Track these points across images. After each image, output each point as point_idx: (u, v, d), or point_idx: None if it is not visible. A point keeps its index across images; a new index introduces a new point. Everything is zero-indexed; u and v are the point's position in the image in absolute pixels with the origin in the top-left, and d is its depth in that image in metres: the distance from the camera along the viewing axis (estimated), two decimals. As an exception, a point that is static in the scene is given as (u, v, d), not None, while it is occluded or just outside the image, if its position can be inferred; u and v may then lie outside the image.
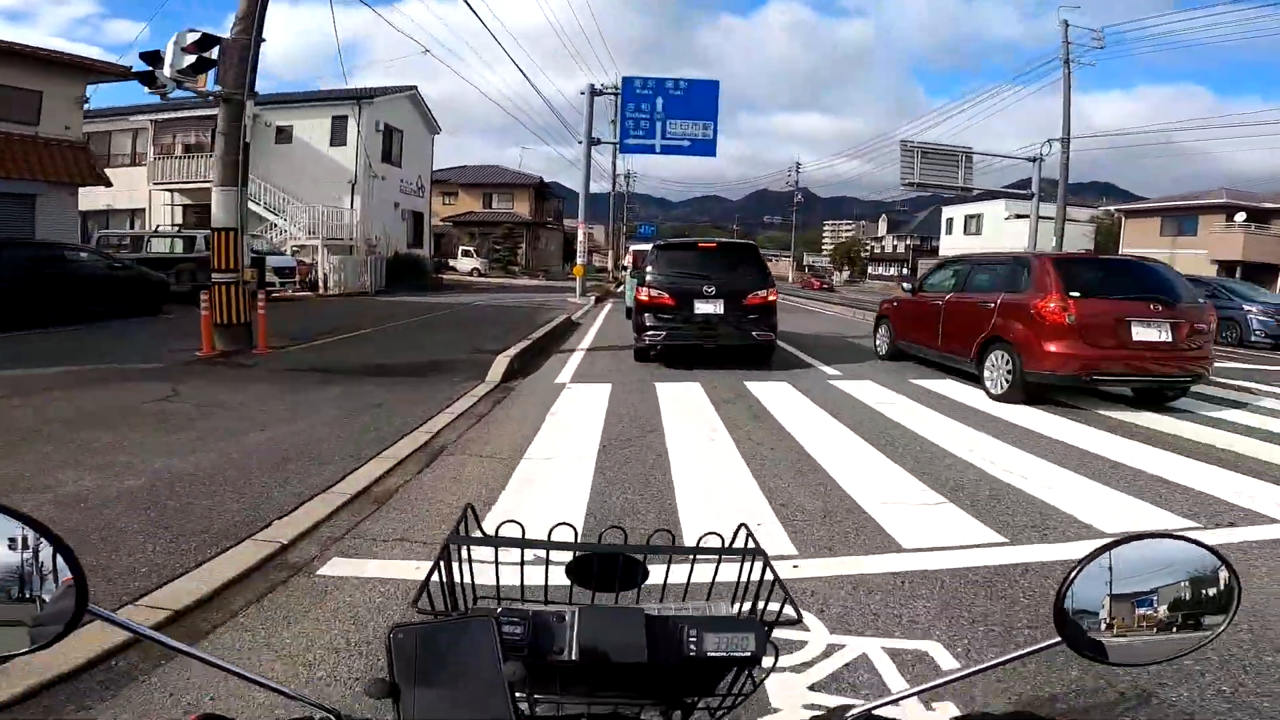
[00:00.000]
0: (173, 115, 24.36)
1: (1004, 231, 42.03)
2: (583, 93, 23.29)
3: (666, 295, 8.35)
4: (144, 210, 24.39)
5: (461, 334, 11.61)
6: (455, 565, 0.83)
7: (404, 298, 20.32)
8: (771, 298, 8.56)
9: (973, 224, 45.75)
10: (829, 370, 8.83)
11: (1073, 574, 0.65)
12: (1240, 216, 29.86)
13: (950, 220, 49.07)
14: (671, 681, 0.73)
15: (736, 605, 0.85)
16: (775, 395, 7.31)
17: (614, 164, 47.60)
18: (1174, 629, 0.65)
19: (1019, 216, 41.67)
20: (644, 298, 8.50)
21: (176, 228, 22.13)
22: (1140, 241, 35.19)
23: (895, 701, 0.71)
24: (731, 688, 0.76)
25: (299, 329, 11.08)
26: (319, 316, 13.91)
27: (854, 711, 0.67)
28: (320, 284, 20.51)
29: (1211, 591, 0.65)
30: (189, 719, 0.57)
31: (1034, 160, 29.80)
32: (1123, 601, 0.65)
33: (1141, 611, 0.64)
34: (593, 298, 21.78)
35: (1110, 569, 0.65)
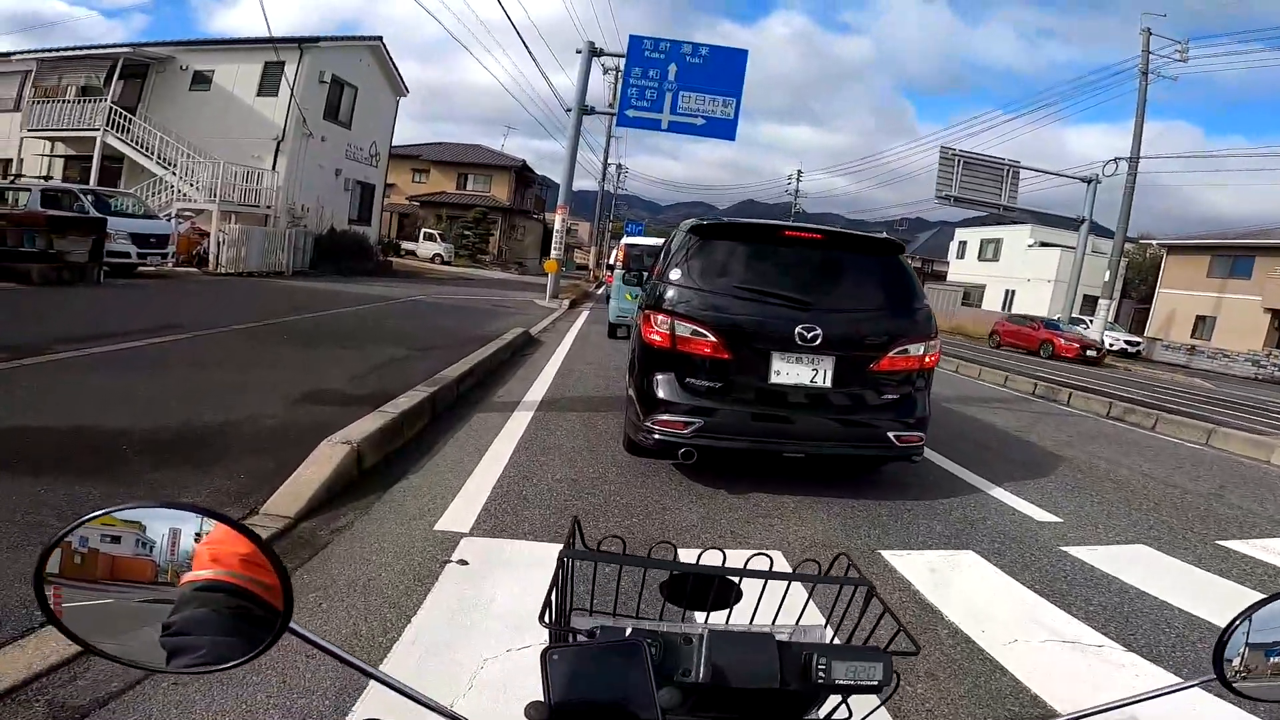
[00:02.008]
0: (63, 54, 20.07)
1: (1025, 260, 38.40)
2: (579, 51, 18.66)
3: (712, 336, 3.86)
4: (10, 161, 19.49)
5: (334, 355, 6.97)
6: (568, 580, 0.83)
7: (326, 284, 15.72)
8: (931, 359, 4.09)
9: (990, 249, 42.05)
10: (1025, 506, 4.42)
11: (1239, 617, 0.68)
12: (1307, 261, 26.31)
13: (964, 243, 45.39)
14: (798, 709, 0.72)
15: (830, 631, 0.85)
16: (968, 595, 3.02)
17: (608, 139, 42.78)
18: None
19: (1043, 245, 38.10)
20: (658, 336, 3.95)
21: (44, 179, 17.29)
22: (1183, 282, 31.67)
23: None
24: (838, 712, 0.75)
25: (38, 331, 6.44)
26: (138, 307, 9.20)
27: None
28: (212, 259, 15.68)
29: None
30: None
31: (1089, 181, 25.88)
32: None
33: None
34: (566, 302, 17.28)
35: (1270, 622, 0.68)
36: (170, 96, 19.87)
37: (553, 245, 19.11)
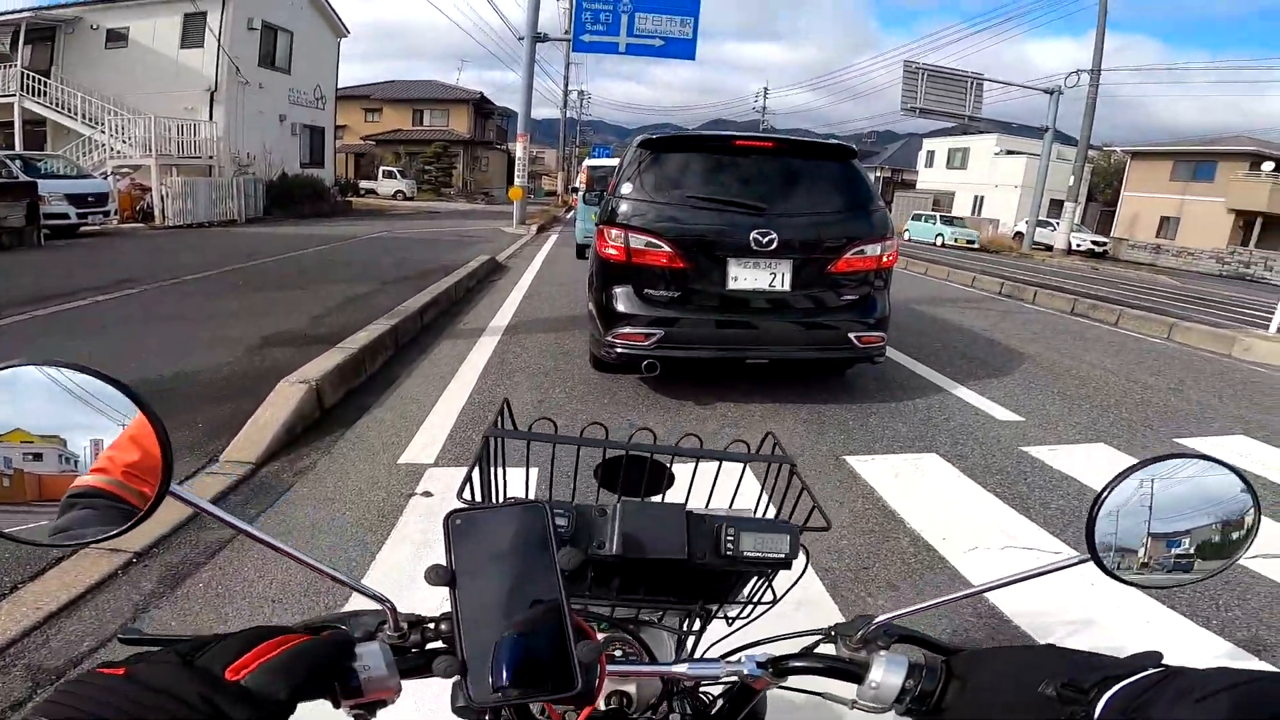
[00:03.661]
0: None
1: (992, 168, 38.31)
2: None
3: (666, 247, 3.80)
4: None
5: (293, 297, 6.77)
6: (494, 458, 0.83)
7: (283, 228, 15.24)
8: (888, 259, 4.07)
9: (958, 157, 41.80)
10: (987, 405, 4.48)
11: (1105, 490, 0.62)
12: (1268, 166, 26.51)
13: (932, 153, 45.05)
14: (705, 581, 0.73)
15: (760, 511, 0.83)
16: (930, 501, 3.08)
17: (566, 66, 41.31)
18: (1201, 552, 0.64)
19: (1009, 153, 37.93)
20: (614, 250, 3.89)
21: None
22: (1146, 185, 31.97)
23: (918, 612, 0.66)
24: (758, 595, 0.77)
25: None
26: (84, 266, 8.83)
27: (879, 619, 0.64)
28: (158, 213, 15.01)
29: (1235, 519, 0.64)
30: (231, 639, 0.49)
31: (1051, 93, 25.61)
32: (1155, 523, 0.64)
33: (1174, 537, 0.64)
34: (534, 227, 17.02)
35: (1144, 491, 0.64)
36: (86, 57, 19.11)
37: (515, 174, 18.69)
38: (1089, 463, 3.59)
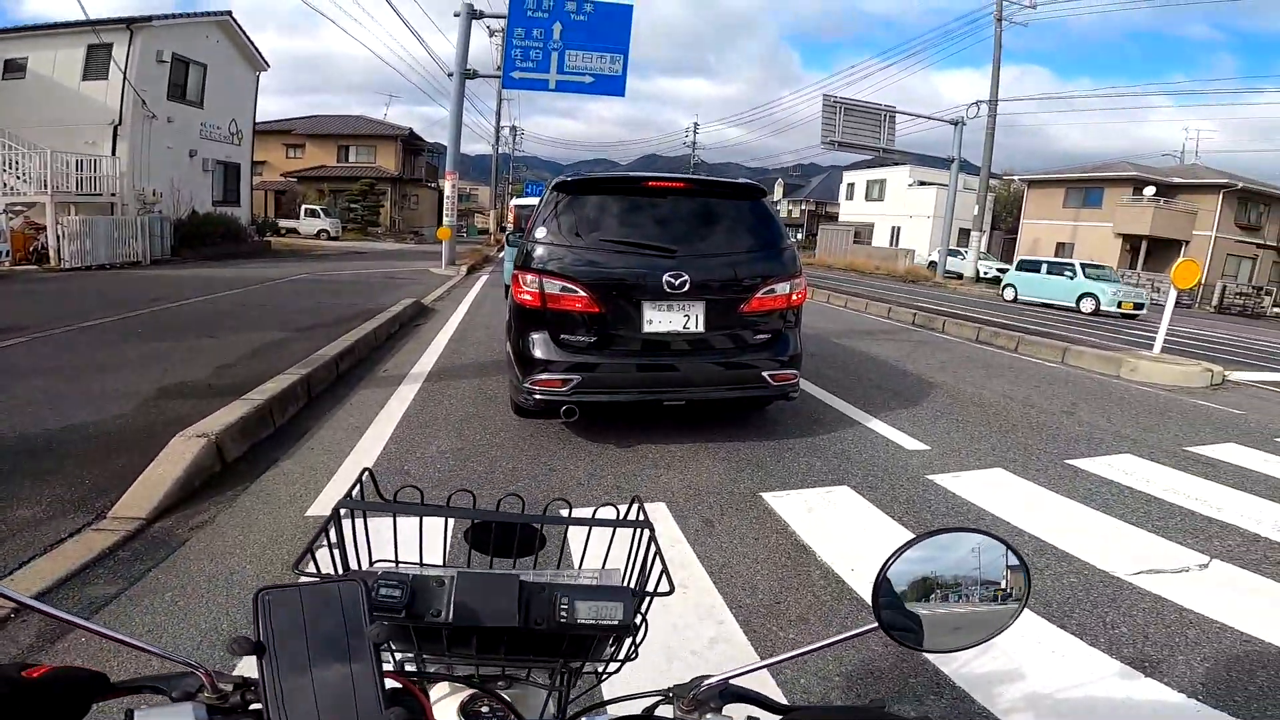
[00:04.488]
0: None
1: (906, 199, 40.51)
2: (456, 14, 17.80)
3: (582, 291, 3.85)
4: None
5: (198, 345, 6.43)
6: (349, 530, 0.84)
7: (193, 270, 14.48)
8: (797, 297, 4.19)
9: (875, 189, 43.97)
10: (897, 436, 4.67)
11: (889, 562, 0.68)
12: (1150, 190, 28.98)
13: (852, 185, 47.18)
14: (546, 646, 0.74)
15: (626, 577, 0.86)
16: (841, 533, 3.16)
17: (498, 102, 41.47)
18: (977, 619, 0.69)
19: (921, 184, 40.25)
20: (529, 296, 3.90)
21: None
22: (1042, 213, 34.34)
23: (748, 672, 0.71)
24: (615, 654, 0.77)
25: None
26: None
27: (711, 680, 0.69)
28: (53, 253, 14.08)
29: (1008, 583, 0.69)
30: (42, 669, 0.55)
31: (955, 124, 27.44)
32: (935, 593, 0.68)
33: (953, 606, 0.68)
34: (464, 268, 16.82)
35: (925, 560, 0.69)
36: None
37: (444, 213, 18.47)
38: (988, 488, 3.78)
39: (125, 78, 17.48)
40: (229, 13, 21.50)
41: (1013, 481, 3.93)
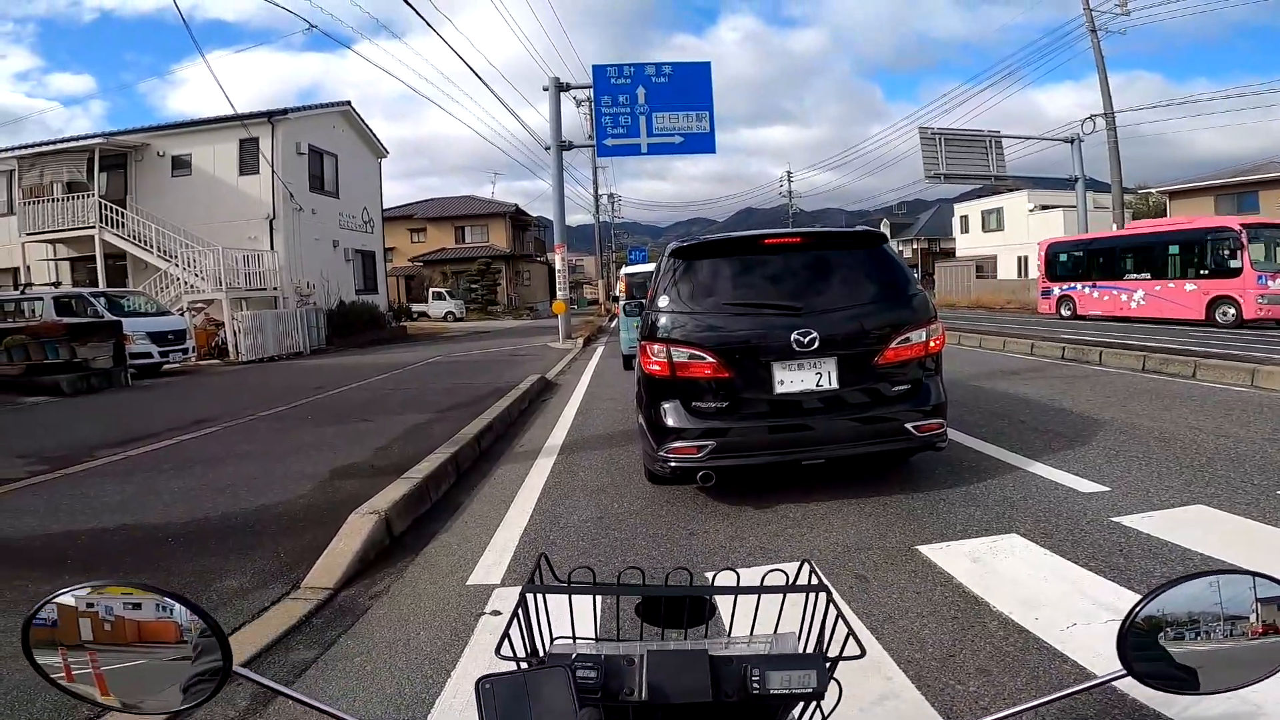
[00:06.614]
0: (40, 149, 19.44)
1: (1030, 225, 38.01)
2: (545, 89, 18.81)
3: (710, 358, 3.80)
4: (18, 269, 19.19)
5: (358, 429, 7.05)
6: (533, 612, 0.86)
7: (345, 359, 15.95)
8: (935, 343, 4.00)
9: (992, 219, 41.75)
10: (1068, 479, 4.26)
11: (1137, 608, 0.66)
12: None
13: (965, 218, 45.06)
14: (734, 718, 0.73)
15: (802, 641, 0.85)
16: (1017, 582, 2.88)
17: (594, 170, 43.56)
18: (1253, 655, 0.65)
19: (1044, 208, 37.71)
20: (657, 366, 3.89)
21: (53, 285, 17.82)
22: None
23: None
24: None
25: (75, 441, 6.62)
26: (167, 406, 9.42)
27: None
28: (231, 348, 16.02)
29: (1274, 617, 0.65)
30: None
31: (1071, 141, 25.79)
32: (1200, 634, 0.65)
33: (1221, 644, 0.65)
34: (580, 340, 17.32)
35: (1180, 603, 0.65)
36: (155, 185, 19.53)
37: (557, 286, 19.23)
38: (1189, 526, 3.38)
39: (273, 169, 18.88)
40: (348, 102, 23.66)
41: (1218, 517, 3.49)
